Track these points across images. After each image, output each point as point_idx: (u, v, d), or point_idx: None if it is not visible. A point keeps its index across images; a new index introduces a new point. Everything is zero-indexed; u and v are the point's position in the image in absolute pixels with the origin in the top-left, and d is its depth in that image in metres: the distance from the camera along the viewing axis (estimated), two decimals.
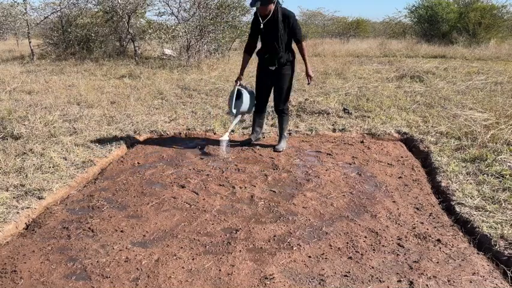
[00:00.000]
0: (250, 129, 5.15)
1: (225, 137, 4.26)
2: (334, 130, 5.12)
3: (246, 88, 4.33)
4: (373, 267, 2.27)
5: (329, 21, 29.10)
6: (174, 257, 2.36)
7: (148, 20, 14.26)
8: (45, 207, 3.05)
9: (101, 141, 4.49)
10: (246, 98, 4.25)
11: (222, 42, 12.98)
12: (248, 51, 4.29)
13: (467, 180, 3.40)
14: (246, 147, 4.46)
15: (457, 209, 2.92)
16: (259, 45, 4.29)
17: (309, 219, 2.83)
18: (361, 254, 2.40)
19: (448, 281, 2.15)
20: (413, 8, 21.22)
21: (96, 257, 2.35)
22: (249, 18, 13.99)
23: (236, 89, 4.24)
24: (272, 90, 4.36)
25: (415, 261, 2.32)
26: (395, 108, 6.05)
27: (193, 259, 2.34)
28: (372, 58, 14.29)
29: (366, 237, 2.60)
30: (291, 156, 4.19)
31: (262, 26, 3.99)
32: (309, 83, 4.32)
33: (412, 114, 5.68)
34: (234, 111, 4.27)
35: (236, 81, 4.28)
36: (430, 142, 4.44)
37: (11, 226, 2.70)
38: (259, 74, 4.30)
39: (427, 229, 2.69)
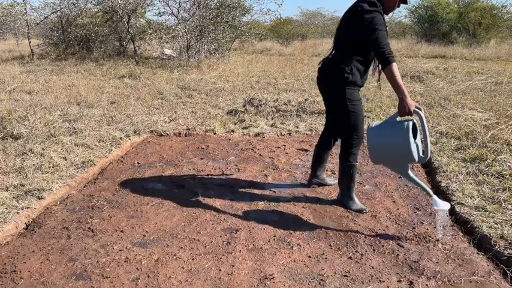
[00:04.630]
0: (255, 130, 5.14)
1: (447, 206, 2.57)
2: None
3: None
4: (373, 267, 2.27)
5: (329, 21, 29.20)
6: (174, 257, 2.36)
7: (148, 20, 14.29)
8: (45, 207, 3.04)
9: (101, 141, 4.49)
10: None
11: (222, 42, 12.99)
12: None
13: (467, 180, 3.40)
14: (246, 147, 4.46)
15: (457, 209, 2.92)
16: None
17: (309, 219, 2.83)
18: (361, 254, 2.40)
19: (448, 281, 2.15)
20: (413, 8, 21.24)
21: (96, 257, 2.35)
22: (249, 18, 14.01)
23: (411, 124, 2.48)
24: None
25: (415, 261, 2.32)
26: (395, 108, 6.04)
27: (193, 259, 2.34)
28: None
29: (365, 237, 2.60)
30: (291, 156, 4.19)
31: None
32: None
33: None
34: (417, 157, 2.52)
35: (416, 109, 2.48)
36: (430, 142, 4.43)
37: (11, 226, 2.70)
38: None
39: (427, 229, 2.69)
